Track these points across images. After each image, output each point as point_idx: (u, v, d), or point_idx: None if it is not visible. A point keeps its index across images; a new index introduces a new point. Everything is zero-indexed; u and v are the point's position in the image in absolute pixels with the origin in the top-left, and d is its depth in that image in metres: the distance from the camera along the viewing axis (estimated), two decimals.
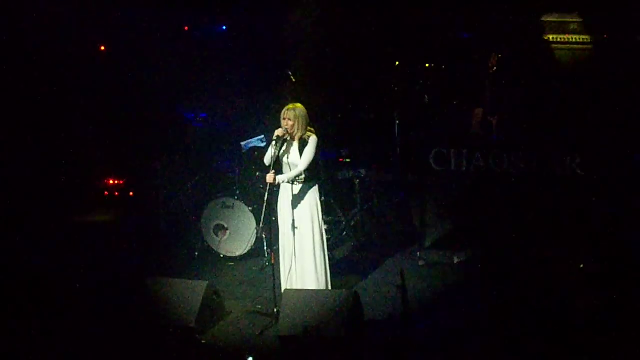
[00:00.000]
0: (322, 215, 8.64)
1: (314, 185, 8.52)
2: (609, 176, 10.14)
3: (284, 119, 8.34)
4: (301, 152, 8.37)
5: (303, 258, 8.42)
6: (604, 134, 10.39)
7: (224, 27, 12.69)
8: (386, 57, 12.63)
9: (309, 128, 8.44)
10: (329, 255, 8.74)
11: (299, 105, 8.41)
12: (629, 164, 10.43)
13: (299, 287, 8.40)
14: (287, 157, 8.39)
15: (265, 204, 8.19)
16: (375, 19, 12.76)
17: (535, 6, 11.72)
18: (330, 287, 8.59)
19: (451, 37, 12.60)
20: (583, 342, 7.41)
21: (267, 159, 8.41)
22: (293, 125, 8.32)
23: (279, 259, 8.58)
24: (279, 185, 8.45)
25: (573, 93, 11.69)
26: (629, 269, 9.14)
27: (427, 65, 12.34)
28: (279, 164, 8.39)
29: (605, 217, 10.03)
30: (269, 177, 8.28)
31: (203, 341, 8.00)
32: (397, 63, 12.61)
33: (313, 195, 8.49)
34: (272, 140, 8.34)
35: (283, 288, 8.47)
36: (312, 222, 8.45)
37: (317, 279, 8.47)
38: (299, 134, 8.37)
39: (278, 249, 8.64)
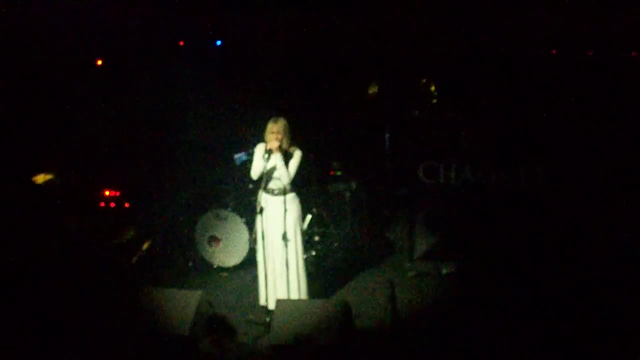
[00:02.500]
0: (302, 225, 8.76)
1: (296, 196, 8.65)
2: (596, 188, 10.29)
3: (272, 132, 8.44)
4: (286, 165, 8.49)
5: (288, 268, 8.50)
6: (590, 147, 10.54)
7: (219, 42, 12.77)
8: (377, 71, 12.73)
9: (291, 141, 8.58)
10: (319, 266, 8.84)
11: (281, 118, 8.53)
12: (616, 176, 10.58)
13: (283, 297, 8.48)
14: (274, 171, 8.49)
15: (257, 215, 8.32)
16: (368, 34, 12.87)
17: (523, 22, 11.87)
18: (308, 295, 8.70)
19: (442, 52, 12.70)
20: (573, 351, 7.50)
21: (255, 173, 8.53)
22: (282, 138, 8.44)
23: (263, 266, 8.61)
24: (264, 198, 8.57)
25: (560, 107, 11.83)
26: (618, 279, 9.32)
27: (421, 80, 12.43)
28: (268, 177, 8.49)
29: (592, 228, 10.19)
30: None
31: (197, 350, 8.11)
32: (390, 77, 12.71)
33: (296, 207, 8.63)
34: (264, 154, 8.41)
35: (271, 299, 8.55)
36: (296, 233, 8.58)
37: (299, 287, 8.58)
38: (285, 146, 8.50)
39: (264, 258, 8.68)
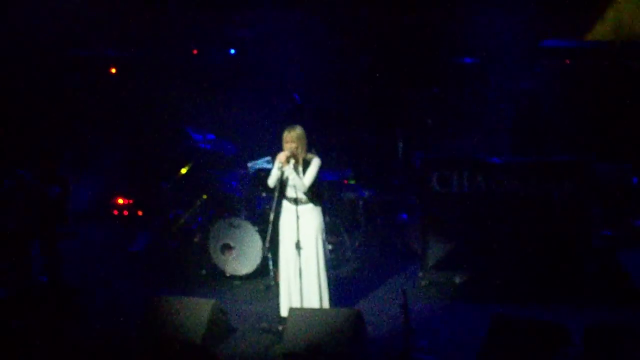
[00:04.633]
0: (326, 236, 8.67)
1: (319, 206, 8.56)
2: (606, 197, 10.28)
3: (287, 142, 8.38)
4: (304, 173, 8.42)
5: (307, 278, 8.43)
6: (601, 156, 10.54)
7: (233, 51, 12.82)
8: (391, 81, 12.75)
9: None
10: (332, 274, 8.81)
11: (297, 126, 8.47)
12: (627, 185, 10.56)
13: (296, 305, 8.41)
14: (290, 180, 8.41)
15: (270, 224, 8.28)
16: (380, 43, 12.90)
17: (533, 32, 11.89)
18: (330, 307, 8.62)
19: (454, 62, 12.71)
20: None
21: (271, 182, 8.46)
22: (297, 147, 8.38)
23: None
24: (282, 205, 8.56)
25: (570, 115, 11.85)
26: (628, 287, 9.31)
27: (433, 89, 12.45)
28: (283, 186, 8.46)
29: (603, 237, 10.18)
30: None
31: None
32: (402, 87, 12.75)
33: (318, 217, 8.53)
34: (278, 164, 8.36)
35: (284, 307, 8.52)
36: (317, 244, 8.48)
37: (320, 299, 8.52)
38: (302, 155, 8.44)
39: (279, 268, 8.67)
